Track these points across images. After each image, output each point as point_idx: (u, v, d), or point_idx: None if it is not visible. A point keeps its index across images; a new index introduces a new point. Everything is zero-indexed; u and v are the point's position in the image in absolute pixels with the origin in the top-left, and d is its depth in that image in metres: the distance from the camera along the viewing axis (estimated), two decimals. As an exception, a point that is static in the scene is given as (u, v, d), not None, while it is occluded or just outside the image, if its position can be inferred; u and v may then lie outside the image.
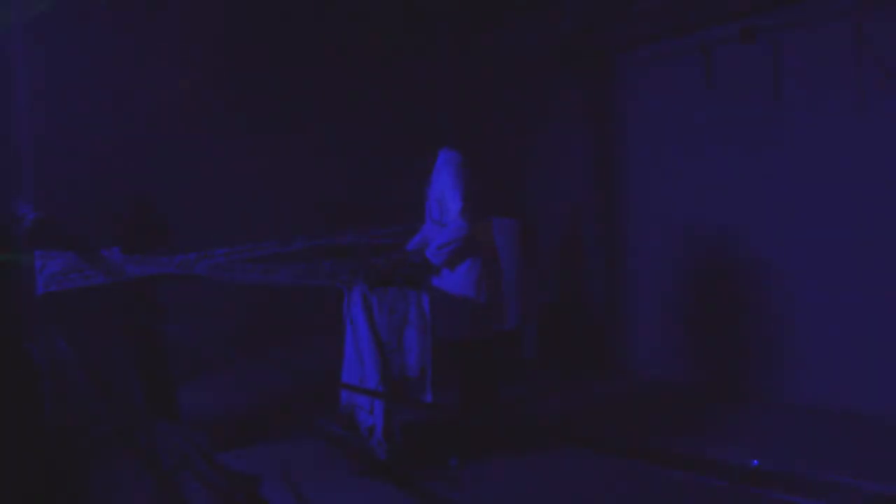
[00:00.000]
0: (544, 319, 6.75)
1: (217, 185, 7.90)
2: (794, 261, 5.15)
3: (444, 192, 4.36)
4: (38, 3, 6.43)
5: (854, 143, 4.79)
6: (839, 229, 4.88)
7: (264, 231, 4.74)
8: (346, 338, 4.30)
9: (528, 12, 6.92)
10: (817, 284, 5.03)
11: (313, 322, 8.05)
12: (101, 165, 6.96)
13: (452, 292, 4.41)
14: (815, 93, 4.97)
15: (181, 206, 6.46)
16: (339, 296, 4.33)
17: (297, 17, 7.84)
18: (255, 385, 6.44)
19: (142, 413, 4.81)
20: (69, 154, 6.77)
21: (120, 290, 4.61)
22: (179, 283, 4.72)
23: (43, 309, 3.91)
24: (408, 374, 4.26)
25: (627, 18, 6.10)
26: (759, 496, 3.33)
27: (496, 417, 4.41)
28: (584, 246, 6.74)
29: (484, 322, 4.44)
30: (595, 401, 5.68)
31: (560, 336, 6.67)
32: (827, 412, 4.85)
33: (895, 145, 4.63)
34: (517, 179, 7.23)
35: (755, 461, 3.48)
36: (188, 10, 7.30)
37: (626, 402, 5.65)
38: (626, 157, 6.41)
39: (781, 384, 5.24)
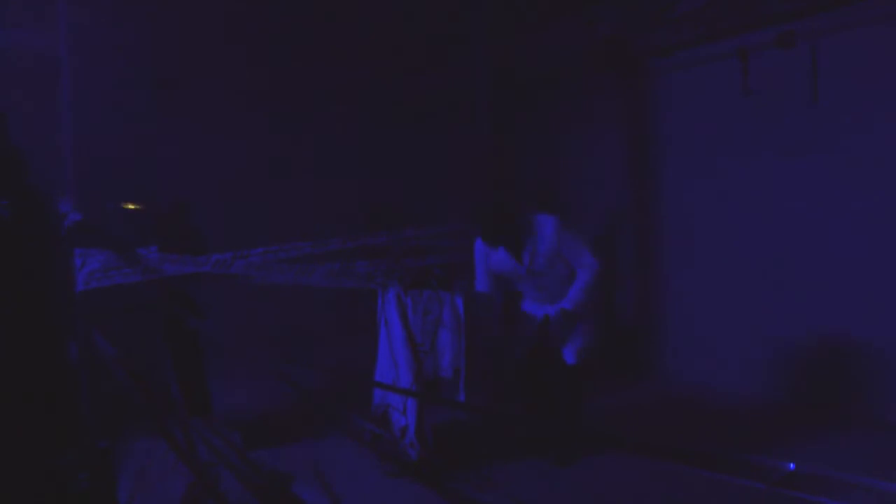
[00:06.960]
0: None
1: (257, 185, 7.98)
2: (838, 269, 5.08)
3: (565, 250, 4.14)
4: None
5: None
6: (885, 235, 4.81)
7: (303, 231, 4.78)
8: (380, 338, 4.33)
9: (566, 17, 6.92)
10: (866, 290, 4.94)
11: (347, 322, 8.13)
12: (140, 165, 7.08)
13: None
14: (856, 98, 4.91)
15: (219, 205, 6.55)
16: (374, 296, 4.36)
17: (344, 18, 7.87)
18: (289, 384, 6.49)
19: (178, 408, 4.87)
20: (109, 154, 6.88)
21: (157, 289, 4.69)
22: (216, 281, 4.79)
23: (82, 305, 3.97)
24: (441, 376, 4.28)
25: (664, 23, 6.08)
26: (797, 499, 3.29)
27: (530, 421, 4.39)
28: (617, 248, 6.71)
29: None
30: (629, 405, 5.64)
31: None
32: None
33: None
34: (551, 182, 7.23)
35: (791, 465, 3.45)
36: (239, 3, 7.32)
37: (660, 406, 5.60)
38: (660, 161, 6.37)
39: (836, 395, 5.17)
